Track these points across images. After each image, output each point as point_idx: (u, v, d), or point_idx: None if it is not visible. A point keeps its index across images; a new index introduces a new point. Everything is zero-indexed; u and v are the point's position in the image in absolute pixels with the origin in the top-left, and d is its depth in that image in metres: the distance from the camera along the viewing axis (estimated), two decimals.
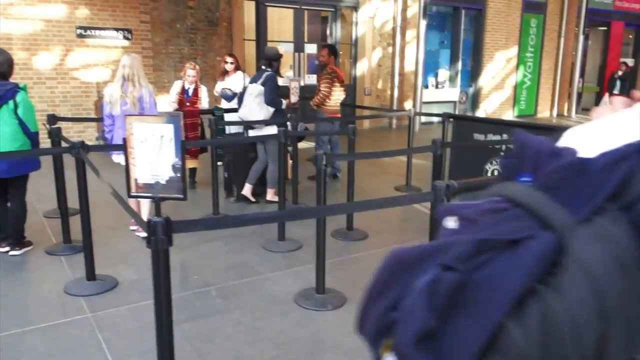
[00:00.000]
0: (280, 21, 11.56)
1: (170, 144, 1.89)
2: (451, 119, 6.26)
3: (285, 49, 11.50)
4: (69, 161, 3.83)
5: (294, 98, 5.34)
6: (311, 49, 11.81)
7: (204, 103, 6.41)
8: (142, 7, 9.12)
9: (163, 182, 1.93)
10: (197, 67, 6.47)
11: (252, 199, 5.63)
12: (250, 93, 5.34)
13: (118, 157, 4.47)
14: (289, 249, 4.37)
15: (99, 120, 8.31)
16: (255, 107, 5.31)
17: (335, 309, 3.35)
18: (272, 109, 5.36)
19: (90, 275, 3.58)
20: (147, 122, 1.91)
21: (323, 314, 3.31)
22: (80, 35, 8.66)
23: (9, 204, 4.10)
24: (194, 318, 3.19)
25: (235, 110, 7.01)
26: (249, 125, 5.40)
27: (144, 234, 4.35)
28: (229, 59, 7.06)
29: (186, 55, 9.64)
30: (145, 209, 4.46)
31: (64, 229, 4.24)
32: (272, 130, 5.24)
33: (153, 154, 1.93)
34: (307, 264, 4.04)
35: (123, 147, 4.31)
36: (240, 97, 5.48)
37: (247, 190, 5.60)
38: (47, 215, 5.14)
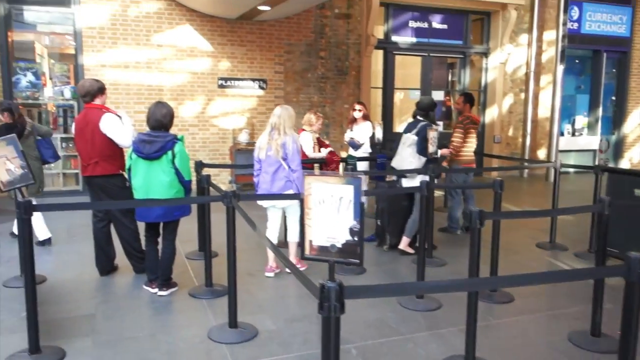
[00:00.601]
0: (406, 68, 11.56)
1: (350, 206, 1.82)
2: (604, 172, 5.69)
3: (411, 96, 11.49)
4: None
5: (432, 148, 5.18)
6: (438, 95, 11.64)
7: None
8: (277, 58, 9.61)
9: (339, 245, 1.86)
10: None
11: (411, 251, 5.51)
12: (404, 143, 5.38)
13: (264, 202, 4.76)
14: (428, 307, 4.12)
15: (239, 167, 8.83)
16: (408, 157, 5.34)
17: None
18: (424, 159, 5.36)
19: (233, 322, 3.62)
20: (327, 182, 1.86)
21: None
22: (221, 86, 9.29)
23: (159, 247, 4.35)
24: None
25: (366, 158, 7.05)
26: (401, 174, 5.39)
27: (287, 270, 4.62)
28: (358, 107, 7.12)
29: (315, 103, 9.94)
30: (293, 248, 4.77)
31: (207, 273, 4.38)
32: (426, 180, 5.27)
33: (331, 216, 1.87)
34: (450, 326, 3.77)
35: (271, 197, 4.44)
36: (395, 146, 5.59)
37: (404, 243, 5.53)
38: (188, 257, 5.39)
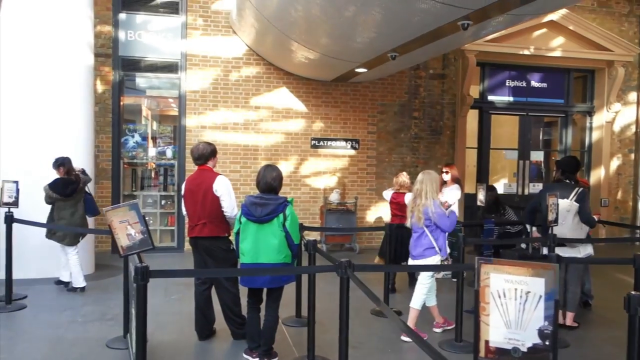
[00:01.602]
0: (502, 127, 11.16)
1: (540, 303, 1.55)
2: None
3: (508, 157, 10.99)
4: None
5: (551, 215, 4.74)
6: (536, 156, 11.08)
7: None
8: (370, 119, 9.58)
9: (524, 349, 1.57)
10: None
11: (575, 324, 5.21)
12: (568, 210, 5.01)
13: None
14: None
15: (338, 230, 8.75)
16: (575, 226, 5.04)
17: None
18: (587, 228, 5.11)
19: None
20: (510, 273, 1.60)
21: None
22: (314, 146, 9.34)
23: (260, 313, 4.19)
24: None
25: (471, 224, 6.67)
26: (561, 242, 5.04)
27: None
28: (444, 169, 6.85)
29: (408, 163, 9.72)
30: (412, 315, 4.71)
31: (310, 345, 4.13)
32: (589, 249, 5.16)
33: (514, 314, 1.60)
34: None
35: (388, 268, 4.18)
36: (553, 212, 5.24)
37: (570, 319, 5.19)
38: (285, 323, 5.18)
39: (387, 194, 6.73)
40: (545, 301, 1.52)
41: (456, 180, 6.82)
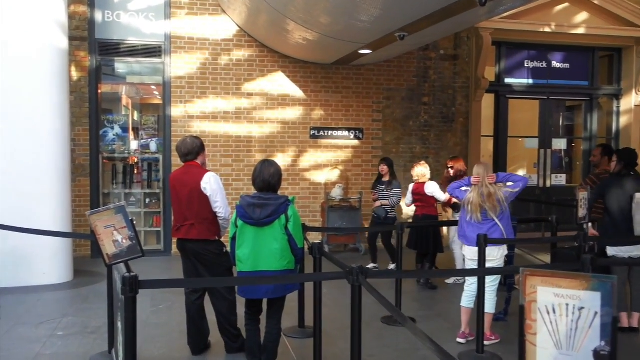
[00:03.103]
0: (520, 112, 11.11)
1: (595, 321, 1.49)
2: None
3: (527, 145, 10.97)
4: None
5: (582, 212, 4.69)
6: (558, 143, 11.05)
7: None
8: (375, 105, 9.52)
9: None
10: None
11: None
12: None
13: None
14: None
15: (343, 231, 8.72)
16: None
17: None
18: None
19: None
20: (560, 286, 1.55)
21: None
22: (314, 136, 9.28)
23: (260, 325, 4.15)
24: None
25: None
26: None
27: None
28: (449, 164, 7.01)
29: (417, 154, 9.67)
30: (486, 320, 4.67)
31: (317, 359, 4.10)
32: None
33: (565, 332, 1.55)
34: None
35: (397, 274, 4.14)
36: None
37: (635, 319, 5.24)
38: (287, 334, 5.12)
39: (410, 187, 7.16)
40: (601, 319, 1.47)
41: (462, 175, 6.80)
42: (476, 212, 4.75)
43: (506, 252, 4.96)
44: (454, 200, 6.44)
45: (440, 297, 6.65)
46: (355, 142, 9.49)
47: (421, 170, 6.98)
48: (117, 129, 8.80)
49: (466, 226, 4.87)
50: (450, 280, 7.03)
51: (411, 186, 7.11)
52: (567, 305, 1.54)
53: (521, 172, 11.22)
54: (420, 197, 6.94)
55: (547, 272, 1.58)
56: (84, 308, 5.96)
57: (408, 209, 8.44)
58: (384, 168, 7.51)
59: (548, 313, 1.57)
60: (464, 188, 4.89)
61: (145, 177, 9.00)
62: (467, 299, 4.95)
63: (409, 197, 7.19)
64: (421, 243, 6.87)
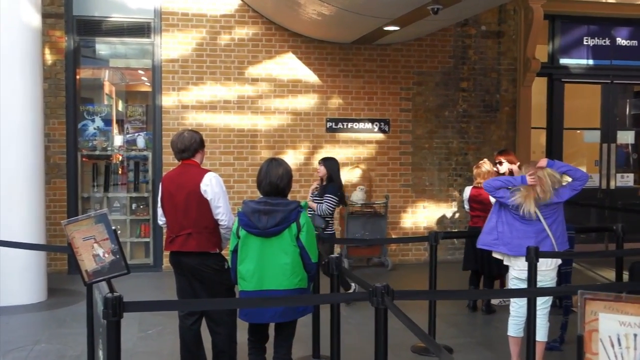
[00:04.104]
0: (579, 99, 11.04)
1: None
2: None
3: (587, 139, 10.89)
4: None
5: None
6: (624, 137, 10.96)
7: None
8: (403, 92, 9.50)
9: None
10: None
11: None
12: None
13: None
14: None
15: (362, 242, 8.70)
16: None
17: None
18: None
19: None
20: (627, 312, 1.53)
21: None
22: (330, 129, 9.29)
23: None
24: None
25: None
26: None
27: None
28: (499, 159, 6.80)
29: (454, 150, 9.65)
30: (538, 350, 4.63)
31: None
32: None
33: None
34: None
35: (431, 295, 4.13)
36: None
37: None
38: None
39: (467, 191, 6.98)
40: None
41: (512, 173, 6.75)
42: (529, 205, 4.63)
43: (559, 261, 4.90)
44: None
45: (482, 321, 6.61)
46: (380, 136, 9.48)
47: (487, 170, 6.71)
48: (99, 122, 8.87)
49: (507, 230, 4.79)
50: (496, 301, 6.98)
51: (468, 191, 6.92)
52: (636, 335, 1.52)
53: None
54: (481, 205, 6.64)
55: (610, 295, 1.55)
56: (60, 333, 6.01)
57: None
58: (321, 169, 7.08)
59: (612, 345, 1.55)
60: (511, 188, 4.77)
61: (132, 179, 9.07)
62: (516, 326, 4.88)
63: (466, 205, 7.09)
64: (484, 263, 6.60)
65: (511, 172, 6.70)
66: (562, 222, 4.83)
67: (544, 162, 4.77)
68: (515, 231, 4.74)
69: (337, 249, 9.03)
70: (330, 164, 7.06)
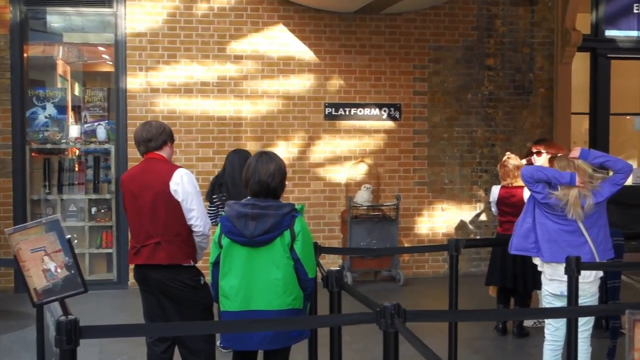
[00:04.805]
0: (627, 79, 11.07)
1: None
2: None
3: (638, 126, 10.93)
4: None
5: None
6: None
7: None
8: (417, 72, 9.52)
9: None
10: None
11: None
12: None
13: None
14: None
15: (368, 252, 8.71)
16: None
17: None
18: None
19: None
20: None
21: None
22: (330, 116, 9.30)
23: None
24: None
25: None
26: None
27: None
28: (536, 149, 6.71)
29: (479, 140, 9.68)
30: None
31: None
32: None
33: None
34: None
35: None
36: None
37: None
38: None
39: (495, 191, 6.92)
40: None
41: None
42: (576, 206, 4.63)
43: (601, 273, 4.90)
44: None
45: (513, 347, 6.62)
46: (390, 124, 9.50)
47: (514, 165, 6.67)
48: (51, 109, 8.86)
49: (540, 231, 4.80)
50: (529, 323, 6.99)
51: (496, 191, 6.84)
52: None
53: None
54: (513, 209, 6.46)
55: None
56: None
57: None
58: None
59: None
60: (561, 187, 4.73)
61: (91, 177, 9.07)
62: (552, 352, 4.90)
63: (493, 208, 7.07)
64: (517, 276, 6.58)
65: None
66: (604, 226, 4.83)
67: (576, 151, 4.77)
68: (547, 231, 4.76)
69: (338, 260, 9.07)
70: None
